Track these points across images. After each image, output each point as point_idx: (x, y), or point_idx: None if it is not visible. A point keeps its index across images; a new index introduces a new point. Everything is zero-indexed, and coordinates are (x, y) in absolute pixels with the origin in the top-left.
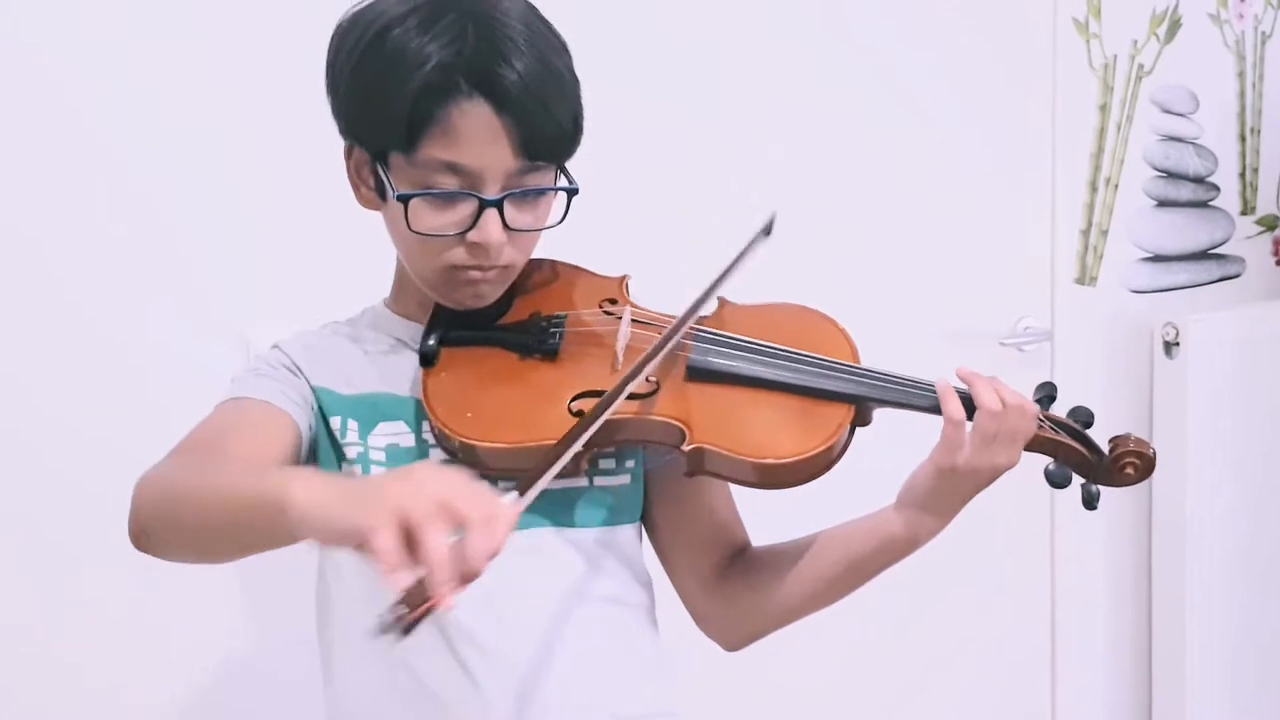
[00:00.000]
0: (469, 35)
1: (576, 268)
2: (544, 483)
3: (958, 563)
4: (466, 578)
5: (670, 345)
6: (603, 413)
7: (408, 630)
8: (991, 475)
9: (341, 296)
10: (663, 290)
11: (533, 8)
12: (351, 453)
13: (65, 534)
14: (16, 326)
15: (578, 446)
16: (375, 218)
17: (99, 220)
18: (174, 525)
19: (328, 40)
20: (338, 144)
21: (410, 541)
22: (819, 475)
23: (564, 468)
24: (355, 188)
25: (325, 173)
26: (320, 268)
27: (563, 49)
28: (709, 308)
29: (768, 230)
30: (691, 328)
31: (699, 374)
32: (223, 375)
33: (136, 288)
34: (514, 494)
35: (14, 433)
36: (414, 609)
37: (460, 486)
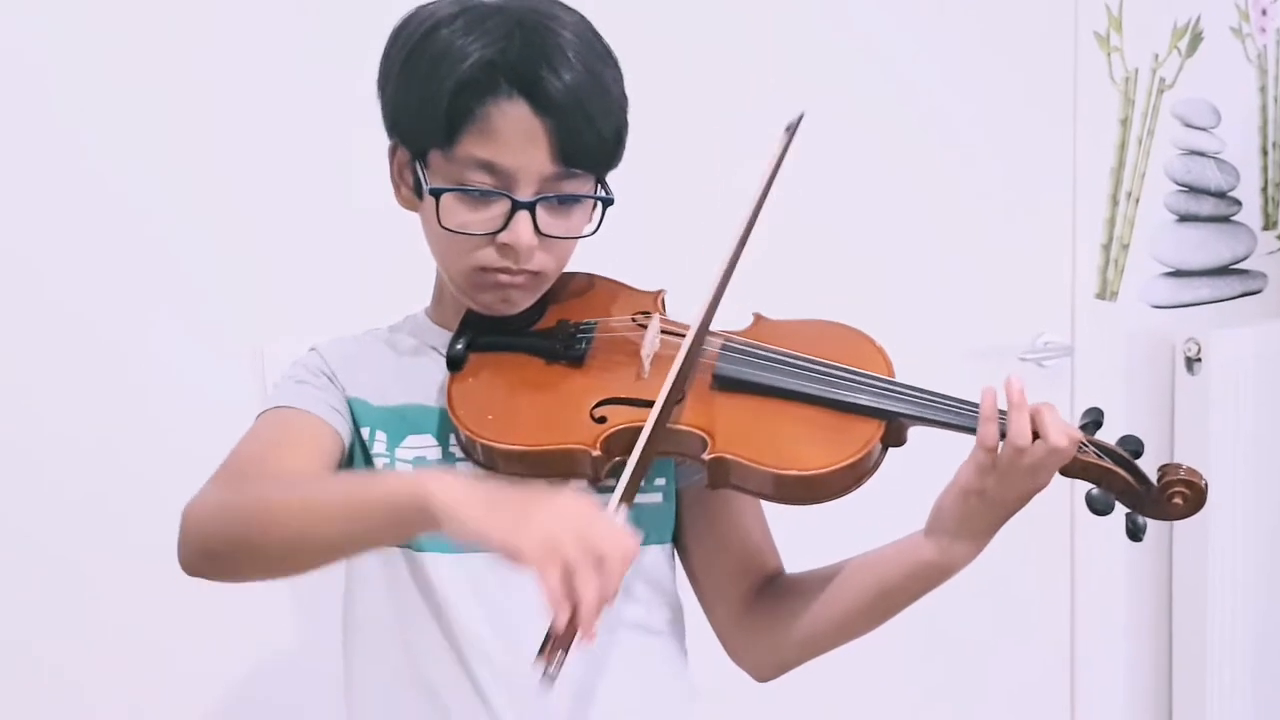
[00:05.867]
0: (515, 37)
1: (614, 281)
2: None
3: (975, 573)
4: (604, 607)
5: (726, 281)
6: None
7: (560, 667)
8: (1022, 501)
9: (359, 312)
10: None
11: (587, 22)
12: (378, 464)
13: (78, 550)
14: (28, 340)
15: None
16: (394, 232)
17: (114, 232)
18: (253, 544)
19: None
20: (358, 156)
21: (567, 581)
22: (846, 492)
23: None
24: (396, 188)
25: (344, 186)
26: (336, 283)
27: (613, 64)
28: (743, 321)
29: (794, 128)
30: (723, 338)
31: (726, 383)
32: (239, 391)
33: (154, 305)
34: (622, 506)
35: (30, 449)
36: (562, 643)
37: (594, 521)
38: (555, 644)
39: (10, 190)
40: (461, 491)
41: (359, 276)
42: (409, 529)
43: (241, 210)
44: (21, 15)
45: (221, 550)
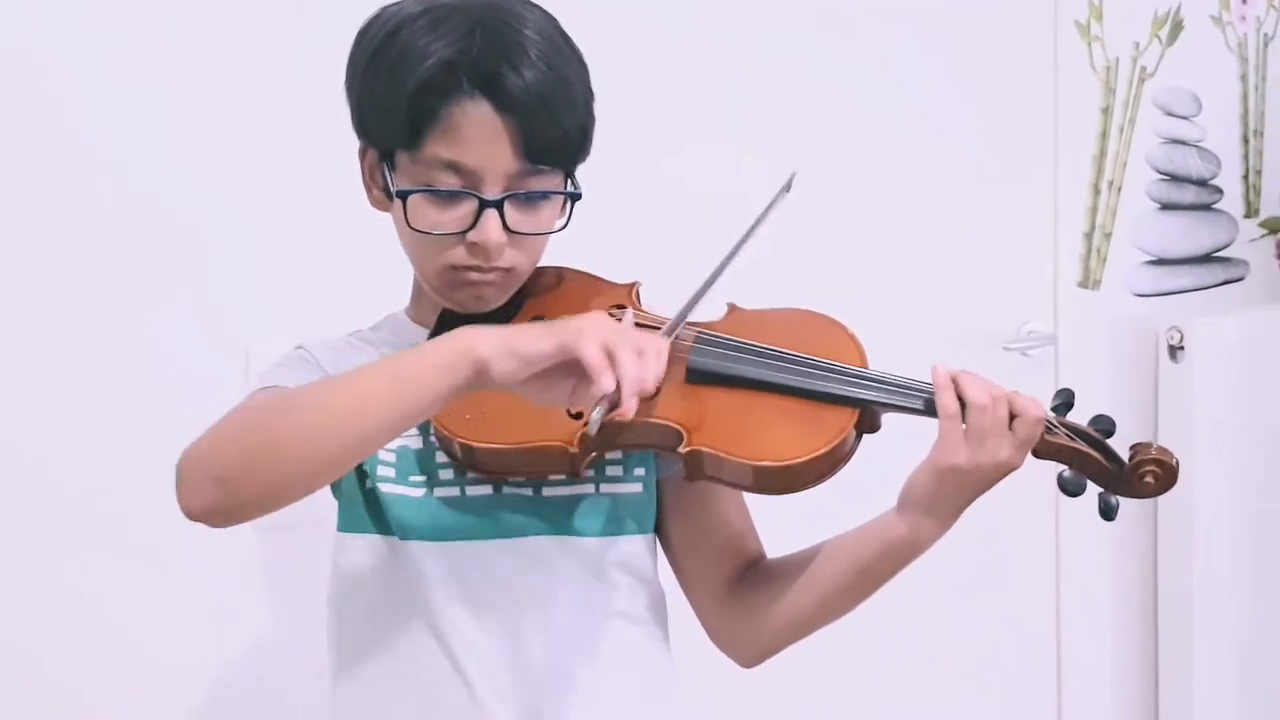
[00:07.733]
0: (476, 36)
1: (589, 275)
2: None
3: (961, 562)
4: (643, 395)
5: (706, 291)
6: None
7: (600, 431)
8: (994, 476)
9: (347, 313)
10: (676, 297)
11: (552, 19)
12: None
13: (66, 545)
14: (17, 337)
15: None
16: (381, 233)
17: (102, 231)
18: (280, 448)
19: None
20: (346, 159)
21: (609, 353)
22: (821, 480)
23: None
24: (368, 189)
25: (332, 188)
26: (325, 284)
27: (577, 61)
28: (717, 312)
29: (788, 187)
30: (696, 330)
31: (700, 376)
32: (226, 390)
33: (140, 301)
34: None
35: (15, 444)
36: (601, 405)
37: (627, 327)
38: (596, 407)
39: (4, 190)
40: (501, 334)
41: (348, 276)
42: (460, 389)
43: (232, 208)
44: (22, 15)
45: (238, 466)
